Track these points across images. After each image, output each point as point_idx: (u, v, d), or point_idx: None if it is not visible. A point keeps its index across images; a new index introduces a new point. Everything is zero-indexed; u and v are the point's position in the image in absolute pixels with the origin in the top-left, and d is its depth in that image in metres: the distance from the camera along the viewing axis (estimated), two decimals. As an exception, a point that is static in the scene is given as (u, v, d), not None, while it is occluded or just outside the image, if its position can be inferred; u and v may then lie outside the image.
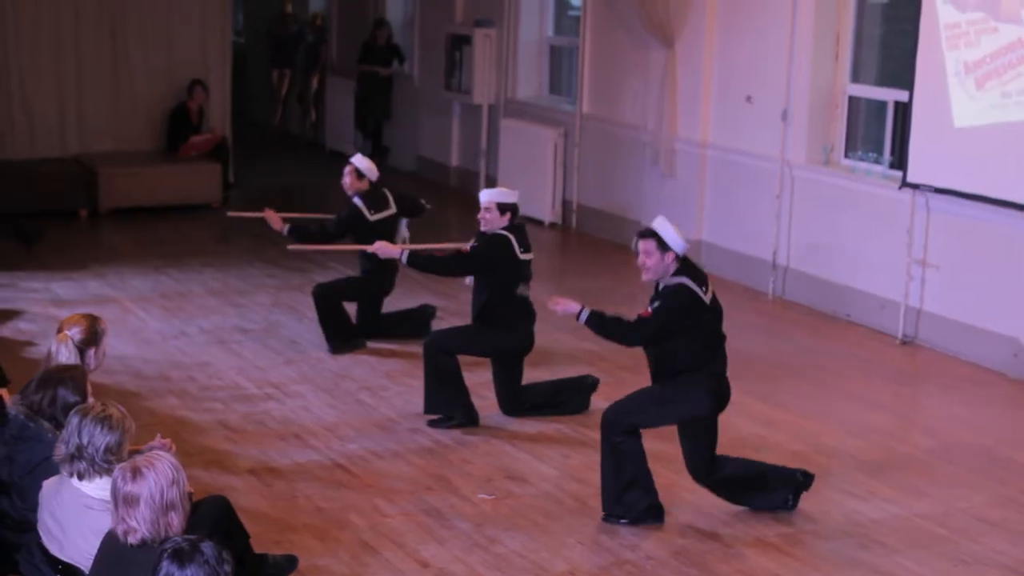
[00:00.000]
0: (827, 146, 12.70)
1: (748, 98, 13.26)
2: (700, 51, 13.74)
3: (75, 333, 6.91)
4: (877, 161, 12.33)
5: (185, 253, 14.15)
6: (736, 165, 13.47)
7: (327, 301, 10.98)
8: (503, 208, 9.55)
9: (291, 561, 7.11)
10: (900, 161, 11.80)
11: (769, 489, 8.11)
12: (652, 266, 7.75)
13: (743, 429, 9.54)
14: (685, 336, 7.77)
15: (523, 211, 16.12)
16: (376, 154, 19.55)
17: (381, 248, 9.70)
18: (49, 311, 11.66)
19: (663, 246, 7.73)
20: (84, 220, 15.67)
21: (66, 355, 6.78)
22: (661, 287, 7.81)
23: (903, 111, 11.80)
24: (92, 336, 6.97)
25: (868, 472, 8.85)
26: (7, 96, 16.11)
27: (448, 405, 9.44)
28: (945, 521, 8.12)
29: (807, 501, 8.32)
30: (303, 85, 21.76)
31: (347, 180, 11.11)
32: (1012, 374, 10.80)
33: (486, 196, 9.64)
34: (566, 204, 15.97)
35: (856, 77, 12.68)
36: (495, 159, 17.01)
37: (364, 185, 11.11)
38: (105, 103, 16.65)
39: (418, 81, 19.01)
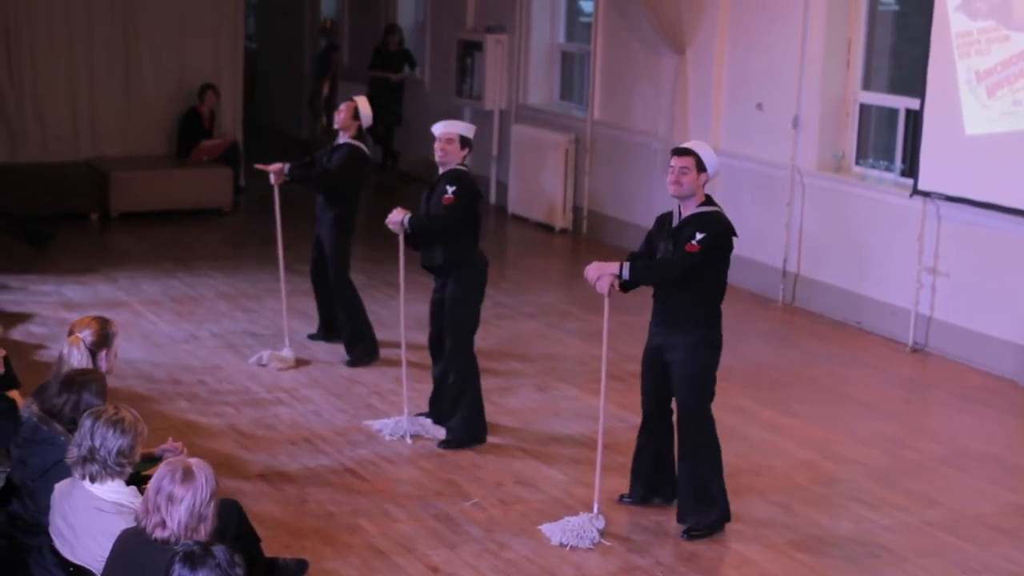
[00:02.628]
0: (838, 153, 12.69)
1: (759, 105, 13.27)
2: (711, 58, 13.75)
3: (86, 336, 6.90)
4: (888, 169, 12.32)
5: (196, 257, 14.17)
6: (747, 172, 13.47)
7: (348, 294, 10.93)
8: (464, 142, 9.18)
9: (301, 565, 7.12)
10: (911, 169, 11.80)
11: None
12: (687, 183, 7.66)
13: (752, 436, 9.54)
14: (719, 266, 7.75)
15: (534, 217, 16.32)
16: (387, 159, 19.62)
17: (393, 216, 9.13)
18: (60, 314, 11.68)
19: (700, 166, 7.69)
20: (95, 224, 15.69)
21: (78, 358, 6.78)
22: (691, 215, 7.71)
23: (914, 119, 11.80)
24: (103, 338, 6.95)
25: (878, 480, 8.85)
26: (20, 100, 16.15)
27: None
28: (955, 529, 8.11)
29: (817, 508, 8.33)
30: (314, 90, 21.78)
31: (341, 115, 10.86)
32: (1022, 382, 10.79)
33: (446, 127, 9.21)
34: (577, 210, 15.98)
35: (867, 84, 12.68)
36: (506, 165, 17.03)
37: (353, 129, 10.86)
38: (117, 107, 16.68)
39: (429, 87, 19.03)
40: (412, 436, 9.23)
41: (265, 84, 23.60)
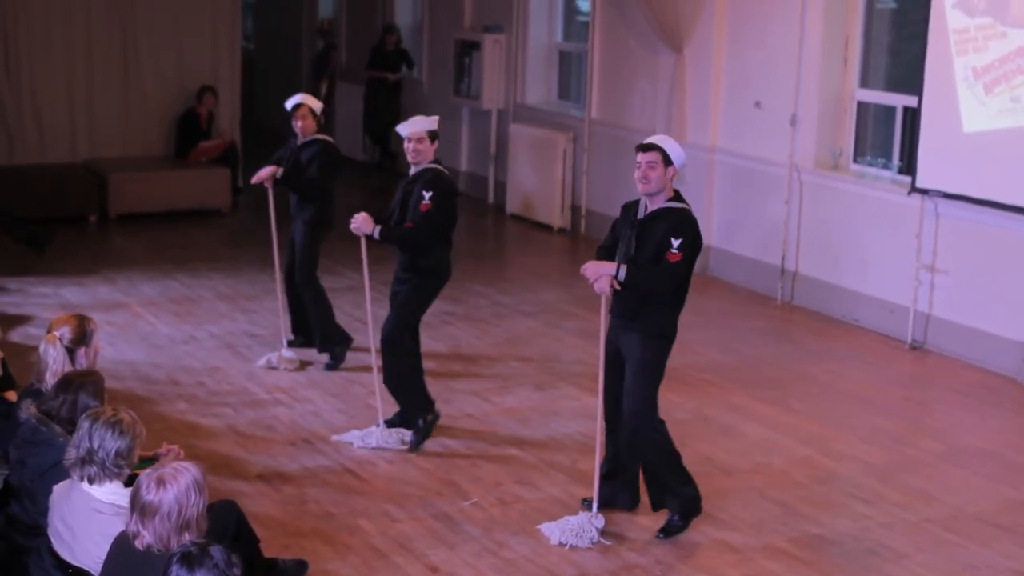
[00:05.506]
0: (836, 151, 12.70)
1: (757, 103, 13.27)
2: (709, 56, 13.75)
3: (64, 333, 6.88)
4: (886, 166, 12.33)
5: (195, 258, 14.17)
6: (745, 170, 13.47)
7: (315, 291, 10.85)
8: (433, 136, 9.13)
9: (301, 566, 7.12)
10: (909, 166, 11.80)
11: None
12: (655, 178, 7.60)
13: (750, 434, 9.54)
14: (690, 265, 7.68)
15: (532, 216, 16.32)
16: (385, 159, 19.63)
17: (361, 223, 9.02)
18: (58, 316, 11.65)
19: (667, 160, 7.64)
20: (94, 225, 15.70)
21: (54, 355, 6.77)
22: (660, 208, 7.64)
23: (912, 116, 11.80)
24: (81, 336, 6.93)
25: (877, 477, 8.85)
26: (18, 102, 16.16)
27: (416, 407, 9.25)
28: (954, 526, 8.12)
29: (816, 506, 8.33)
30: (312, 90, 21.76)
31: (302, 123, 10.71)
32: (1021, 379, 10.79)
33: (414, 127, 9.10)
34: (575, 209, 15.98)
35: (865, 82, 12.68)
36: (504, 164, 17.03)
37: (315, 128, 10.78)
38: (115, 109, 16.69)
39: (427, 86, 19.03)
40: (379, 447, 9.13)
41: (263, 84, 23.59)
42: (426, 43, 19.08)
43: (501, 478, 8.65)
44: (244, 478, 8.51)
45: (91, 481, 5.58)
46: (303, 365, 10.71)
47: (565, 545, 7.66)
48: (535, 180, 16.27)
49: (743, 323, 12.32)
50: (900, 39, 12.67)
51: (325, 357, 10.83)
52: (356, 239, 9.23)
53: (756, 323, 12.39)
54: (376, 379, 9.37)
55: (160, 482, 5.01)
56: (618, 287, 7.70)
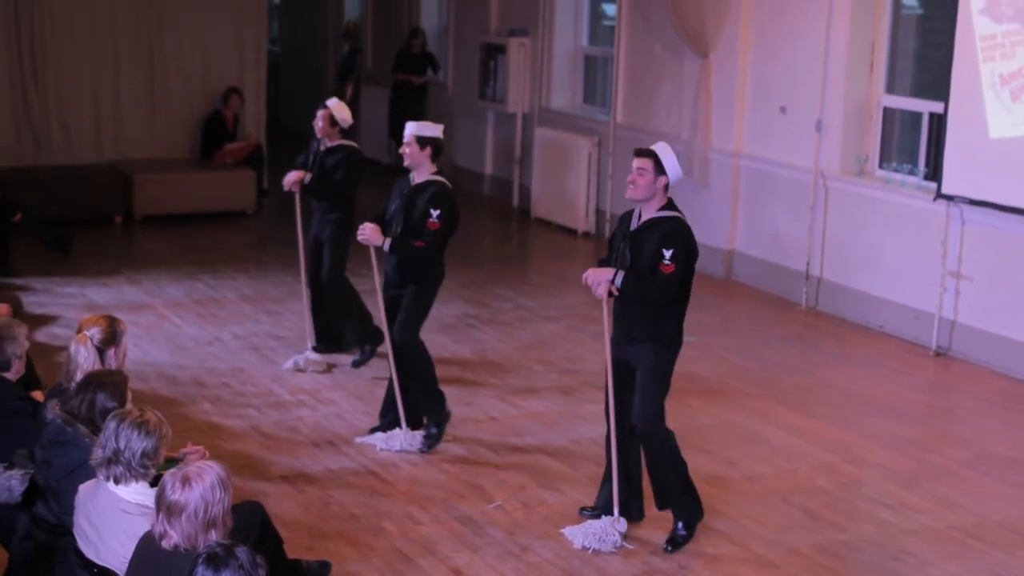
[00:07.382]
0: (861, 157, 12.67)
1: (782, 109, 13.25)
2: (735, 61, 13.73)
3: (94, 333, 6.92)
4: (912, 172, 12.29)
5: (219, 260, 14.21)
6: (770, 175, 13.45)
7: (345, 290, 10.88)
8: (422, 142, 8.96)
9: (325, 567, 7.14)
10: (935, 172, 11.77)
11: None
12: (643, 185, 7.59)
13: (774, 439, 9.53)
14: (688, 274, 7.63)
15: (557, 220, 16.33)
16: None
17: (371, 235, 8.93)
18: (83, 316, 11.66)
19: (659, 168, 7.61)
20: (119, 226, 15.75)
21: (85, 355, 6.80)
22: (652, 218, 7.63)
23: (938, 122, 11.77)
24: (111, 336, 6.97)
25: (901, 484, 8.83)
26: (44, 102, 16.22)
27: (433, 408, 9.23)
28: (979, 533, 8.09)
29: (840, 512, 8.31)
30: (337, 93, 21.80)
31: (321, 124, 10.79)
32: (1047, 387, 10.77)
33: (408, 128, 9.04)
34: (599, 213, 15.98)
35: (891, 88, 12.65)
36: (529, 168, 17.04)
37: (337, 134, 10.82)
38: (141, 110, 16.75)
39: (452, 90, 19.05)
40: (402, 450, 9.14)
41: (289, 87, 23.65)
42: (452, 46, 19.10)
43: (525, 482, 8.65)
44: (268, 479, 8.53)
45: (117, 481, 5.60)
46: (330, 367, 10.72)
47: (588, 549, 7.67)
48: (560, 184, 16.28)
49: (767, 329, 12.30)
50: (926, 45, 12.65)
51: (352, 357, 10.86)
52: (364, 246, 9.17)
53: (780, 329, 12.37)
54: (397, 383, 9.37)
55: (185, 481, 5.03)
56: (616, 292, 7.67)
